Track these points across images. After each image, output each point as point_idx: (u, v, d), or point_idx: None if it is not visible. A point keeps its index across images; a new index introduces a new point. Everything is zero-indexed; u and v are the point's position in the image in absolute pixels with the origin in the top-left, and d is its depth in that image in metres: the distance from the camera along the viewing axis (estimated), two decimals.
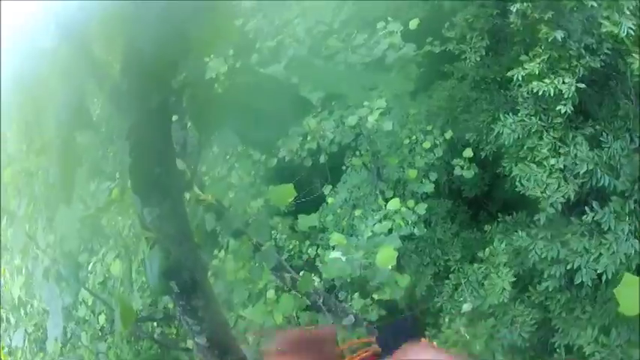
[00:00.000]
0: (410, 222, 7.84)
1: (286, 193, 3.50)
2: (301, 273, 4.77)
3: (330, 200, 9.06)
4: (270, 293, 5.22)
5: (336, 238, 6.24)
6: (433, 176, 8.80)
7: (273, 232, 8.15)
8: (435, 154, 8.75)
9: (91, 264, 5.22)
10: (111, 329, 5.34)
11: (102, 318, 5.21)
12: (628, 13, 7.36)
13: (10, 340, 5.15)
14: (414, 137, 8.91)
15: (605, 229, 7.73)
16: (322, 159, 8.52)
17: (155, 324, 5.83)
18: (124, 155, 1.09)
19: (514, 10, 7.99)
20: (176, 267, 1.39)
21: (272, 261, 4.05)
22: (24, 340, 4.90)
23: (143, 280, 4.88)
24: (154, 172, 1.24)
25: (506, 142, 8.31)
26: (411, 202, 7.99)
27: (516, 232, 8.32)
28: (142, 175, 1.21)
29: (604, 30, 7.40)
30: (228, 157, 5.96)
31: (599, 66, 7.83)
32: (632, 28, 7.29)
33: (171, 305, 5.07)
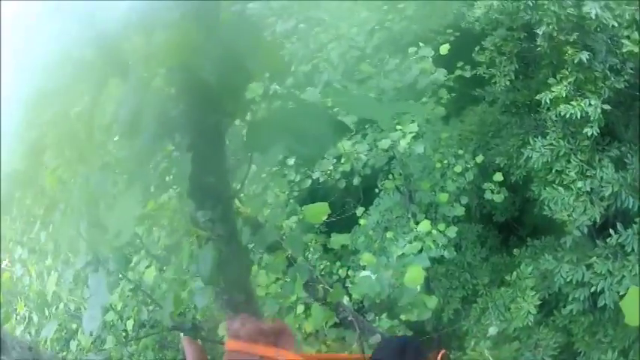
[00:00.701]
0: (440, 245, 7.91)
1: (321, 211, 3.66)
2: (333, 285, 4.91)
3: (362, 222, 9.16)
4: (300, 308, 5.34)
5: (366, 257, 6.35)
6: (464, 200, 8.88)
7: (305, 250, 8.27)
8: (466, 178, 8.83)
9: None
10: (137, 335, 5.45)
11: (130, 323, 5.34)
12: None
13: (30, 336, 5.31)
14: (445, 161, 8.99)
15: (629, 250, 7.77)
16: (355, 181, 8.65)
17: (182, 335, 5.92)
18: (185, 164, 1.29)
19: (540, 33, 8.09)
20: (224, 263, 1.59)
21: (305, 276, 4.20)
22: (52, 332, 5.02)
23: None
24: (209, 180, 1.46)
25: (535, 166, 8.40)
26: (441, 226, 8.07)
27: (543, 255, 8.37)
28: (198, 182, 1.42)
29: (625, 50, 7.46)
30: (263, 175, 6.13)
31: (623, 87, 7.90)
32: None
33: (199, 316, 5.21)
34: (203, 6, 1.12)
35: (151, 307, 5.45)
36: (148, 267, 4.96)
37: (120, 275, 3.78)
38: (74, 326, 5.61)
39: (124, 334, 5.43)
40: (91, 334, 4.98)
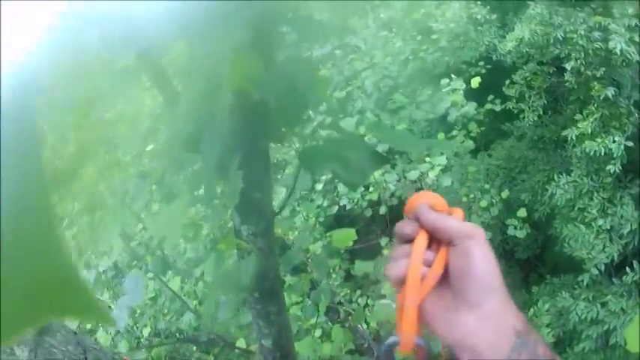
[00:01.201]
0: None
1: (348, 237, 3.76)
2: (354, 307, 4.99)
3: (385, 252, 9.19)
4: (318, 332, 5.41)
5: (388, 286, 6.44)
6: (488, 235, 8.79)
7: (329, 274, 8.35)
8: (490, 213, 8.83)
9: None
10: (150, 344, 5.52)
11: (146, 330, 5.44)
12: None
13: None
14: (472, 195, 9.00)
15: None
16: (382, 210, 8.72)
17: (195, 348, 5.97)
18: (237, 181, 1.41)
19: (569, 68, 8.15)
20: (262, 275, 1.70)
21: (328, 298, 4.30)
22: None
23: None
24: (255, 197, 1.58)
25: (559, 203, 8.41)
26: None
27: (561, 293, 8.37)
28: (246, 199, 1.54)
29: None
30: (297, 198, 6.26)
31: None
32: None
33: (216, 328, 5.29)
34: (269, 36, 1.24)
35: (167, 317, 5.55)
36: (174, 277, 5.07)
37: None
38: (88, 326, 5.69)
39: (136, 340, 5.51)
40: (111, 337, 5.08)
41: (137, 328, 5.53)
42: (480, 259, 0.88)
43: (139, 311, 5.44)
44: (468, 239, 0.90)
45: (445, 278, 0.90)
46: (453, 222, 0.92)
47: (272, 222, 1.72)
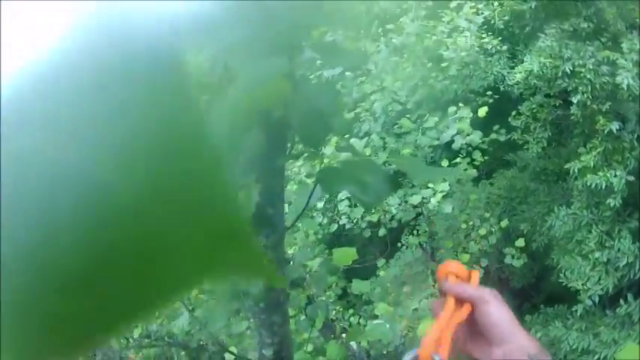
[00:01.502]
0: None
1: (349, 255, 3.82)
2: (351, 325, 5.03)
3: (381, 273, 9.22)
4: (310, 347, 5.43)
5: (382, 307, 6.49)
6: (484, 262, 8.92)
7: (326, 291, 8.37)
8: (489, 241, 8.87)
9: None
10: (140, 344, 5.51)
11: (137, 331, 5.43)
12: None
13: None
14: (471, 223, 9.05)
15: (635, 320, 7.78)
16: (381, 232, 8.75)
17: (184, 353, 5.95)
18: (254, 194, 1.49)
19: (575, 101, 8.21)
20: (270, 287, 1.77)
21: (323, 315, 4.34)
22: None
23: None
24: (269, 211, 1.66)
25: (557, 234, 8.45)
26: None
27: (554, 322, 8.38)
28: (259, 211, 1.61)
29: None
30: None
31: None
32: None
33: (206, 336, 5.30)
34: (297, 60, 1.32)
35: (159, 320, 5.56)
36: None
37: None
38: None
39: (125, 341, 5.50)
40: None
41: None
42: (497, 318, 1.11)
43: None
44: (483, 304, 1.12)
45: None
46: (470, 290, 1.15)
47: (283, 236, 1.79)
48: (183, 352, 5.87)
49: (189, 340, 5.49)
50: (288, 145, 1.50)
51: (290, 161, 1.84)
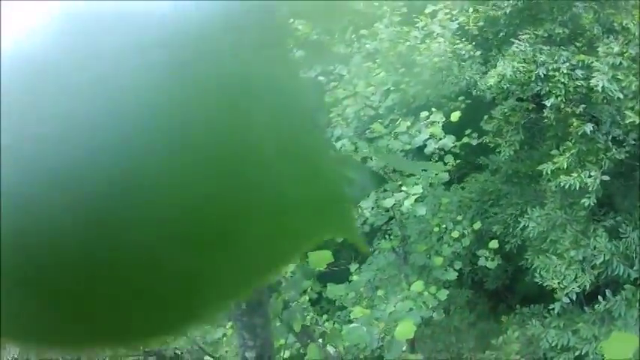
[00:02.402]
0: (430, 306, 7.93)
1: (324, 258, 3.81)
2: (329, 327, 4.99)
3: (355, 278, 9.17)
4: (287, 353, 5.40)
5: (358, 310, 6.47)
6: (458, 265, 8.90)
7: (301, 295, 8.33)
8: (462, 244, 8.86)
9: None
10: (115, 355, 5.43)
11: None
12: None
13: None
14: (444, 226, 9.05)
15: (616, 316, 7.89)
16: None
17: None
18: None
19: (549, 105, 8.28)
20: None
21: (302, 320, 4.32)
22: None
23: None
24: None
25: (530, 235, 8.52)
26: (433, 288, 8.10)
27: (531, 321, 8.44)
28: None
29: (628, 121, 7.61)
30: None
31: (624, 157, 8.02)
32: None
33: (182, 343, 5.24)
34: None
35: None
36: None
37: None
38: None
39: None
40: None
41: None
42: None
43: None
44: None
45: None
46: None
47: None
48: None
49: (166, 350, 5.45)
50: None
51: None
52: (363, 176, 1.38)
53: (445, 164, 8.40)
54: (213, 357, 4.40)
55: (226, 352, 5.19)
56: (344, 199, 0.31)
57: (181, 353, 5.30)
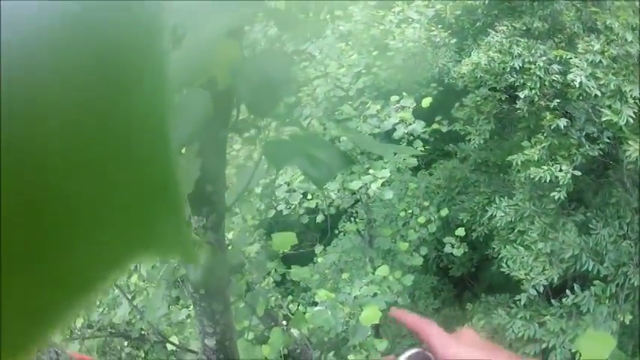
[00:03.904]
0: (395, 291, 7.91)
1: (288, 240, 3.73)
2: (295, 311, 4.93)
3: (320, 260, 9.15)
4: (251, 335, 5.33)
5: (322, 293, 6.42)
6: (424, 251, 8.90)
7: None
8: (428, 230, 8.87)
9: None
10: (82, 335, 5.34)
11: (79, 321, 5.25)
12: (631, 101, 7.61)
13: None
14: (410, 211, 9.06)
15: (584, 311, 7.96)
16: (319, 219, 8.68)
17: (126, 343, 5.82)
18: (195, 169, 1.37)
19: (522, 97, 8.30)
20: (210, 270, 1.66)
21: (265, 302, 4.25)
22: None
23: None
24: (208, 188, 1.54)
25: (498, 225, 8.55)
26: (398, 273, 8.08)
27: (497, 311, 8.49)
28: (199, 188, 1.50)
29: (605, 119, 7.66)
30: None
31: (597, 154, 8.08)
32: (632, 117, 7.54)
33: (144, 327, 5.15)
34: (248, 25, 1.21)
35: (100, 309, 5.39)
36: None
37: None
38: None
39: (69, 331, 5.33)
40: None
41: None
42: None
43: None
44: None
45: None
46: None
47: (223, 216, 1.69)
48: (125, 343, 5.73)
49: (131, 330, 5.35)
50: (233, 114, 1.39)
51: (229, 137, 1.72)
52: (330, 156, 1.29)
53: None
54: (171, 342, 4.30)
55: (190, 333, 5.12)
56: (177, 213, 0.26)
57: (147, 334, 5.23)
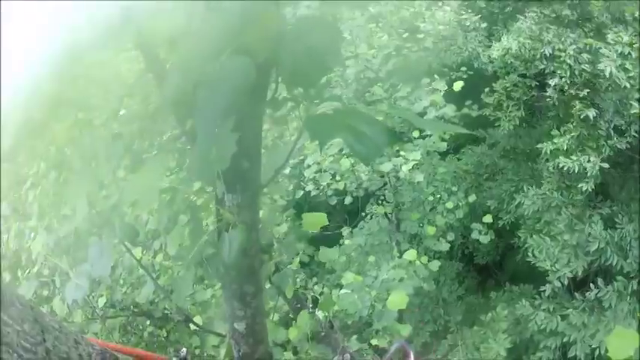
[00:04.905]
0: (421, 276, 7.84)
1: (319, 221, 3.66)
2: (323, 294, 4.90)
3: (346, 242, 9.10)
4: (276, 317, 5.28)
5: (350, 276, 6.38)
6: (450, 236, 8.80)
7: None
8: (455, 215, 8.78)
9: None
10: (105, 315, 5.34)
11: (102, 301, 5.24)
12: None
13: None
14: (438, 196, 8.97)
15: (606, 306, 7.89)
16: (347, 200, 8.62)
17: (148, 322, 5.82)
18: (230, 144, 1.31)
19: (552, 85, 8.15)
20: (243, 251, 1.59)
21: (293, 284, 4.20)
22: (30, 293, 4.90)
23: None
24: (244, 165, 1.48)
25: (525, 213, 8.45)
26: (424, 258, 8.00)
27: (520, 301, 8.40)
28: (234, 165, 1.44)
29: (633, 112, 7.52)
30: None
31: (624, 147, 7.95)
32: None
33: (169, 305, 5.14)
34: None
35: (124, 289, 5.39)
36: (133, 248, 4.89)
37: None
38: (45, 292, 5.48)
39: (91, 310, 5.33)
40: (67, 306, 4.88)
41: (93, 297, 5.32)
42: None
43: (96, 280, 5.25)
44: None
45: None
46: None
47: (258, 195, 1.63)
48: (148, 322, 5.74)
49: (154, 310, 5.34)
50: (272, 88, 1.33)
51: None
52: (376, 132, 1.23)
53: (443, 134, 8.26)
54: (194, 323, 4.28)
55: (215, 313, 5.10)
56: None
57: (170, 313, 5.22)
